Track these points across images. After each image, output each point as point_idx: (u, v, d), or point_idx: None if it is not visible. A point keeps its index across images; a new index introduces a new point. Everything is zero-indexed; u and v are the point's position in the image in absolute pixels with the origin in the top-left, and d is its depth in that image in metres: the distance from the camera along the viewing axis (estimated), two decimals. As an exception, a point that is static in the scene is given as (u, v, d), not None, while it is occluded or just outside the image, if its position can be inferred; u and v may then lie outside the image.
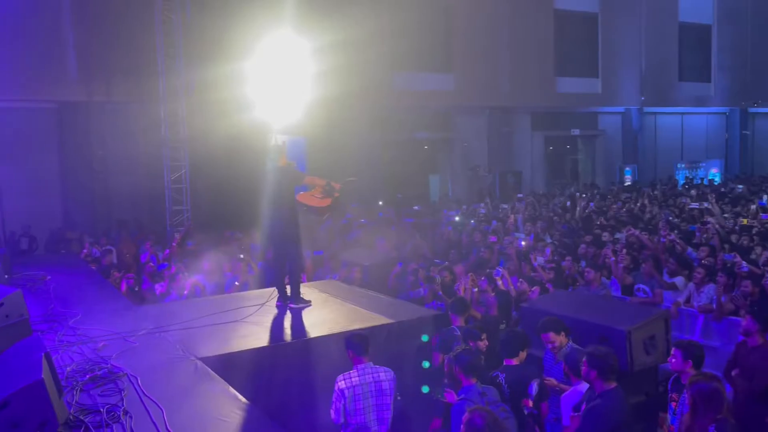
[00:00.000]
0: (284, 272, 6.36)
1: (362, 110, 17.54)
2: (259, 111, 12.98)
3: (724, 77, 25.68)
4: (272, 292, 6.43)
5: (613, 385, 4.15)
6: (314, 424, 4.93)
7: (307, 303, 6.31)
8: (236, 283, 8.45)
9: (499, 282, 7.16)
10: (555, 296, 6.66)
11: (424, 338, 4.68)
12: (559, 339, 4.99)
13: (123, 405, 3.70)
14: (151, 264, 9.56)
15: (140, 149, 14.52)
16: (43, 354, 3.26)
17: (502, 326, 6.53)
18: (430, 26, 19.38)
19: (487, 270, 7.86)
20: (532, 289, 7.41)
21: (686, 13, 24.64)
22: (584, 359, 4.25)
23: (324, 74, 14.07)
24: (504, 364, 4.78)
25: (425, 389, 4.71)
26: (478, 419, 3.51)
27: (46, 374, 3.13)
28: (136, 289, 8.35)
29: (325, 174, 14.52)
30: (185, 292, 8.24)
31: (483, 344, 5.20)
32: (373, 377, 4.67)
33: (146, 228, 13.91)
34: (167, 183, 14.16)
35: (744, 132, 26.37)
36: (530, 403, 4.57)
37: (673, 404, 4.51)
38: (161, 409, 3.64)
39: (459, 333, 5.48)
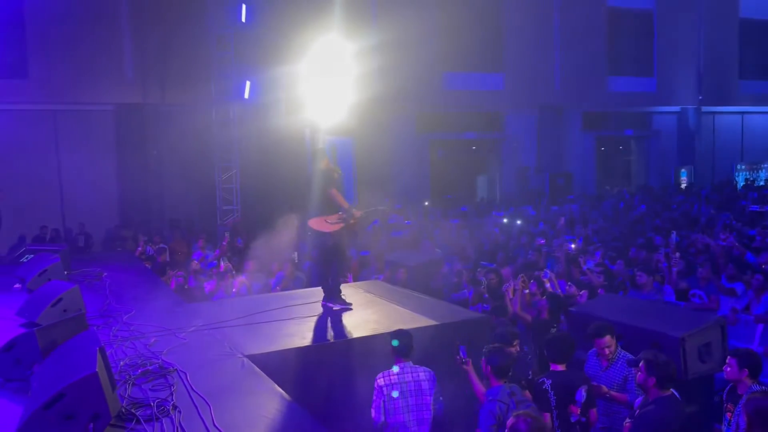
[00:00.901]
0: (328, 272, 6.38)
1: (411, 110, 17.55)
2: (307, 113, 13.17)
3: (788, 74, 24.55)
4: (318, 292, 6.48)
5: (669, 392, 4.03)
6: (357, 424, 4.95)
7: (347, 305, 6.22)
8: (277, 287, 8.53)
9: (548, 285, 7.03)
10: (605, 300, 6.49)
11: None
12: (614, 343, 4.85)
13: (172, 400, 3.79)
14: (195, 262, 9.79)
15: (193, 150, 14.90)
16: (98, 348, 3.37)
17: (553, 330, 6.40)
18: (480, 25, 19.23)
19: (535, 273, 7.73)
20: (581, 292, 7.24)
21: (748, 9, 23.65)
22: (641, 365, 4.13)
23: (372, 75, 14.17)
24: (550, 369, 4.67)
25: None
26: (522, 424, 3.45)
27: (100, 368, 3.23)
28: (186, 287, 8.56)
29: (373, 175, 14.65)
30: (234, 290, 8.40)
31: (514, 349, 5.06)
32: (412, 376, 4.67)
33: (197, 227, 14.26)
34: (218, 183, 14.49)
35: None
36: (578, 411, 4.46)
37: (728, 415, 4.34)
38: (209, 405, 3.72)
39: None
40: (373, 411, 4.63)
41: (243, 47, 14.32)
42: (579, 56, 20.27)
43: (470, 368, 4.68)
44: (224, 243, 11.32)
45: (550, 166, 20.32)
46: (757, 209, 12.96)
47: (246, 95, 14.42)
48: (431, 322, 5.66)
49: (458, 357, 4.67)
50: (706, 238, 9.90)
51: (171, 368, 4.32)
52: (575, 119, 21.29)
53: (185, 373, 4.22)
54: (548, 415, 4.41)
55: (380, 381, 4.62)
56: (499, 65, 19.64)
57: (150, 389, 3.99)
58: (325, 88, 13.46)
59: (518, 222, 13.32)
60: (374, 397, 4.63)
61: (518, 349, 5.15)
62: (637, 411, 4.19)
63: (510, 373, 4.41)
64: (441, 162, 18.89)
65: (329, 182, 6.15)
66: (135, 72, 15.18)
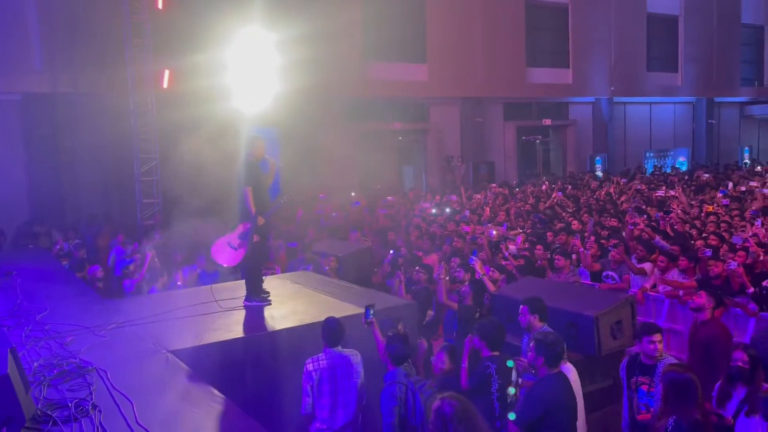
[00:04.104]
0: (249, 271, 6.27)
1: (335, 101, 17.49)
2: (230, 102, 12.87)
3: (691, 67, 26.16)
4: (243, 285, 6.40)
5: (557, 370, 4.25)
6: (287, 414, 4.95)
7: (265, 301, 6.15)
8: (178, 283, 8.34)
9: (478, 267, 7.21)
10: (525, 283, 6.75)
11: (510, 364, 4.68)
12: (530, 318, 5.01)
13: (92, 399, 3.67)
14: (114, 256, 9.46)
15: (109, 142, 14.26)
16: (8, 349, 3.22)
17: (477, 315, 6.60)
18: (404, 16, 19.38)
19: (460, 260, 7.95)
20: (503, 277, 7.50)
21: (654, 4, 25.01)
22: (532, 345, 4.35)
23: (296, 65, 13.99)
24: (490, 354, 4.78)
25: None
26: (447, 407, 3.53)
27: (11, 369, 3.09)
28: (100, 285, 8.25)
29: (299, 166, 14.49)
30: (156, 285, 8.17)
31: (401, 328, 5.26)
32: (341, 360, 4.76)
33: (116, 222, 13.71)
34: (137, 176, 13.95)
35: (710, 121, 26.93)
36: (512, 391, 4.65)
37: (644, 387, 4.59)
38: (131, 402, 3.62)
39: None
40: (302, 395, 4.68)
41: (160, 34, 13.80)
42: (499, 48, 20.82)
43: (375, 328, 4.97)
44: (157, 237, 10.99)
45: (473, 156, 20.83)
46: (663, 194, 13.77)
47: (165, 84, 13.93)
48: (359, 311, 5.71)
49: (364, 318, 4.95)
50: (617, 222, 10.44)
51: (89, 367, 4.17)
52: (497, 110, 21.90)
53: (105, 372, 4.09)
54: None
55: (309, 366, 4.70)
56: (422, 56, 19.88)
57: (67, 390, 3.84)
58: (248, 78, 13.21)
59: (447, 210, 13.59)
60: (303, 382, 4.68)
61: (403, 329, 5.30)
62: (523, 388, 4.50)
63: (407, 360, 4.59)
64: (367, 152, 18.94)
65: (246, 178, 5.97)
66: (44, 60, 14.33)
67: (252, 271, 6.24)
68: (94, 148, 14.35)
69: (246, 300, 6.14)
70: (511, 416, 4.19)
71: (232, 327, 5.51)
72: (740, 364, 4.23)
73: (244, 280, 6.33)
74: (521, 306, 5.06)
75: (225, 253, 5.99)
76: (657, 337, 4.60)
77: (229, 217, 6.29)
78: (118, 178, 14.56)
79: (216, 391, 3.94)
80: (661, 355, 4.60)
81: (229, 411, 3.72)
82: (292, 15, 14.44)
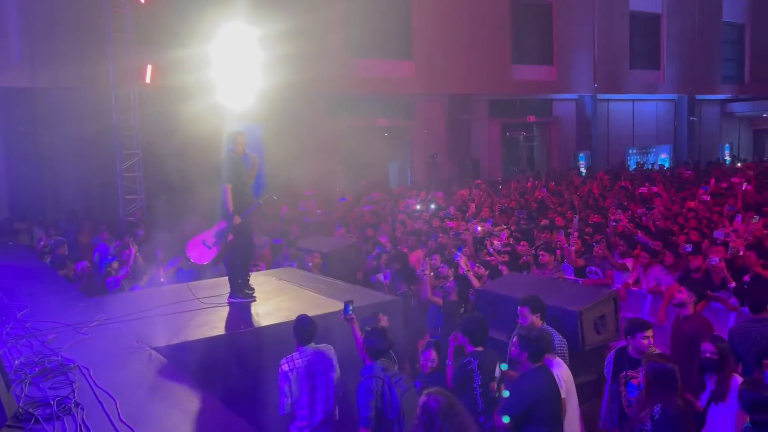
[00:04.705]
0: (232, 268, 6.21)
1: (320, 97, 17.43)
2: (213, 98, 12.77)
3: (673, 65, 26.43)
4: (226, 282, 6.36)
5: (540, 364, 4.30)
6: (271, 411, 4.93)
7: (250, 297, 6.10)
8: (162, 279, 8.26)
9: (463, 263, 7.23)
10: (509, 279, 6.79)
11: (503, 366, 4.69)
12: (532, 318, 4.97)
13: (74, 397, 3.63)
14: (99, 254, 9.36)
15: (91, 137, 14.09)
16: (-12, 347, 3.17)
17: (462, 310, 6.62)
18: (390, 12, 19.35)
19: (445, 256, 7.97)
20: (488, 272, 7.53)
21: (637, 2, 25.22)
22: (515, 341, 4.38)
23: (281, 61, 13.91)
24: (473, 350, 4.80)
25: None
26: (433, 402, 3.55)
27: (-9, 367, 3.05)
28: (84, 282, 8.16)
29: (283, 162, 14.42)
30: (140, 283, 8.10)
31: (384, 323, 5.27)
32: (316, 357, 4.77)
33: (98, 218, 13.56)
34: (119, 172, 13.82)
35: (691, 118, 27.24)
36: (495, 386, 4.68)
37: (635, 381, 4.64)
38: (114, 400, 3.59)
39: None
40: (280, 396, 4.69)
41: (143, 29, 13.66)
42: (484, 45, 20.87)
43: (354, 324, 4.95)
44: (139, 234, 10.88)
45: (458, 152, 20.89)
46: (645, 190, 13.90)
47: (147, 79, 13.79)
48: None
49: (343, 314, 4.94)
50: (601, 218, 10.52)
51: (72, 365, 4.13)
52: (482, 107, 21.96)
53: (88, 369, 4.05)
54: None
55: (285, 366, 4.70)
56: (408, 53, 19.88)
57: (49, 387, 3.79)
58: (232, 74, 13.11)
59: (432, 206, 13.61)
60: (280, 383, 4.69)
61: (386, 323, 5.32)
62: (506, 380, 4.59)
63: (385, 355, 4.59)
64: (353, 149, 18.91)
65: (226, 175, 5.86)
66: (23, 54, 14.11)
67: (236, 268, 6.19)
68: (75, 143, 14.19)
69: (230, 297, 6.10)
70: (506, 419, 4.20)
71: (216, 324, 5.48)
72: (709, 355, 4.38)
73: (226, 277, 6.29)
74: (521, 308, 5.00)
75: (198, 250, 5.92)
76: (650, 332, 4.67)
77: (210, 214, 6.22)
78: (100, 175, 14.40)
79: (200, 389, 3.91)
80: (652, 350, 4.64)
81: (213, 408, 3.70)
82: (277, 10, 14.36)
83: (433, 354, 4.93)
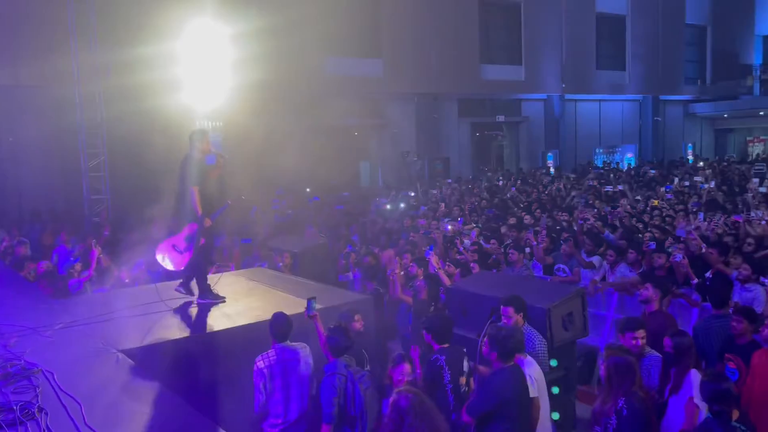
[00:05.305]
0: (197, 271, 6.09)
1: (290, 96, 17.31)
2: (182, 95, 12.60)
3: (638, 66, 26.96)
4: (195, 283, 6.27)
5: (510, 364, 4.33)
6: (243, 412, 4.89)
7: (219, 298, 6.01)
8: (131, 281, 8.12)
9: (434, 262, 7.25)
10: (479, 277, 6.84)
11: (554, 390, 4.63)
12: (516, 318, 5.01)
13: (38, 402, 3.54)
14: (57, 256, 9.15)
15: (54, 135, 13.77)
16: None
17: (431, 309, 6.65)
18: (358, 11, 19.31)
19: (416, 255, 7.99)
20: (458, 271, 7.58)
21: (603, 4, 25.65)
22: (485, 340, 4.42)
23: (249, 59, 13.82)
24: (439, 347, 4.81)
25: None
26: (403, 400, 3.57)
27: (-50, 373, 2.96)
28: (45, 283, 7.94)
29: (253, 161, 14.30)
30: (104, 285, 7.94)
31: (358, 324, 5.30)
32: (291, 354, 4.76)
33: (62, 218, 13.26)
34: (84, 171, 13.52)
35: (656, 118, 27.83)
36: (464, 380, 4.71)
37: None
38: (79, 404, 3.51)
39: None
40: (255, 393, 4.66)
41: (107, 24, 13.38)
42: (453, 45, 21.00)
43: (318, 321, 4.98)
44: (105, 234, 10.66)
45: (429, 152, 20.97)
46: (611, 189, 14.18)
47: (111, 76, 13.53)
48: (316, 307, 5.68)
49: (306, 311, 4.93)
50: (568, 216, 10.70)
51: (35, 368, 4.02)
52: (451, 106, 22.09)
53: (52, 373, 3.95)
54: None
55: (260, 363, 4.67)
56: (377, 51, 19.88)
57: (12, 392, 3.68)
58: (200, 72, 12.95)
59: (402, 206, 13.65)
60: (255, 380, 4.66)
61: (362, 323, 5.32)
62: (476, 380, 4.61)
63: (347, 352, 4.63)
64: (323, 148, 18.83)
65: (193, 176, 5.69)
66: (-18, 50, 13.73)
67: (204, 270, 6.12)
68: (38, 142, 13.85)
69: (200, 298, 6.03)
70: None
71: (185, 325, 5.40)
72: (668, 350, 4.56)
73: (195, 279, 6.19)
74: (505, 308, 5.02)
75: (170, 256, 5.75)
76: (639, 333, 4.75)
77: (177, 217, 6.06)
78: (65, 174, 14.09)
79: (169, 391, 3.85)
80: (643, 351, 4.75)
81: (182, 410, 3.65)
82: (245, 8, 14.25)
83: (407, 367, 4.69)
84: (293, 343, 4.84)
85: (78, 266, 8.12)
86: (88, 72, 13.30)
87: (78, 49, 13.11)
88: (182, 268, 5.82)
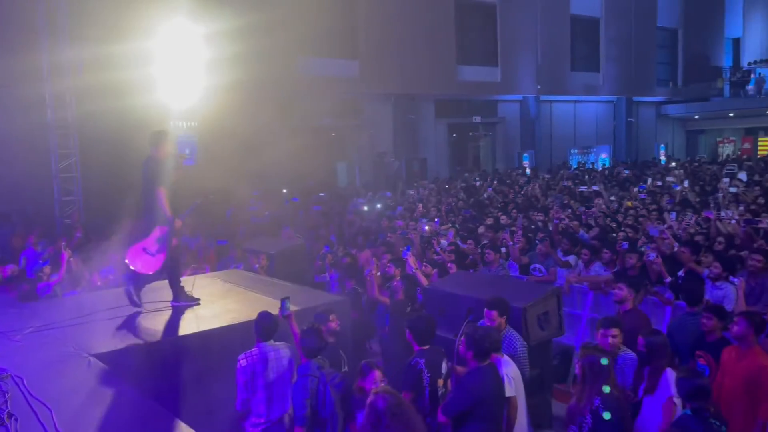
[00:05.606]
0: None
1: (266, 96, 17.19)
2: (156, 95, 12.43)
3: (611, 68, 27.33)
4: (167, 286, 6.17)
5: (486, 363, 4.36)
6: (220, 414, 4.84)
7: (194, 300, 5.95)
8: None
9: (412, 262, 7.25)
10: (456, 277, 6.86)
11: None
12: (500, 321, 5.02)
13: (7, 408, 3.47)
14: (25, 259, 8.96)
15: (23, 136, 13.44)
16: None
17: (409, 309, 6.65)
18: (334, 11, 19.25)
19: (390, 256, 7.99)
20: (434, 271, 7.60)
21: (577, 6, 25.95)
22: (462, 339, 4.43)
23: (225, 59, 13.69)
24: (419, 349, 4.80)
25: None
26: (380, 401, 3.56)
27: None
28: (12, 286, 7.77)
29: (228, 162, 14.16)
30: (75, 288, 7.79)
31: (334, 324, 5.29)
32: (274, 354, 4.74)
33: (32, 220, 12.98)
34: (54, 172, 13.25)
35: (629, 119, 28.25)
36: (442, 382, 4.71)
37: None
38: (50, 409, 3.45)
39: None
40: (237, 391, 4.63)
41: (79, 21, 13.12)
42: (429, 46, 21.05)
43: (292, 321, 4.98)
44: (77, 236, 10.45)
45: (406, 152, 21.00)
46: (585, 189, 14.35)
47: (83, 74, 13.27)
48: (292, 308, 5.63)
49: (280, 311, 4.93)
50: (543, 217, 10.79)
51: (5, 374, 3.94)
52: (428, 107, 22.15)
53: (22, 378, 3.87)
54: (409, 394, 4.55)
55: (243, 362, 4.65)
56: (354, 52, 19.84)
57: (-21, 399, 3.60)
58: (174, 71, 12.79)
59: (378, 206, 13.65)
60: (237, 378, 4.63)
61: (338, 322, 5.30)
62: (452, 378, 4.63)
63: (320, 353, 4.63)
64: (299, 149, 18.74)
65: (159, 178, 5.56)
66: (-52, 47, 13.37)
67: (176, 272, 6.03)
68: (6, 142, 13.50)
69: (173, 301, 5.95)
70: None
71: (159, 328, 5.32)
72: (641, 349, 4.62)
73: (167, 282, 6.10)
74: (489, 311, 5.03)
75: (142, 259, 5.61)
76: (613, 331, 4.78)
77: (144, 220, 5.93)
78: (35, 176, 13.75)
79: (142, 395, 3.80)
80: (618, 349, 4.78)
81: (156, 414, 3.60)
82: (221, 8, 14.10)
83: (377, 374, 4.54)
84: (277, 343, 4.82)
85: (47, 269, 7.96)
86: (59, 70, 13.03)
87: (48, 46, 12.83)
88: (154, 272, 5.71)
